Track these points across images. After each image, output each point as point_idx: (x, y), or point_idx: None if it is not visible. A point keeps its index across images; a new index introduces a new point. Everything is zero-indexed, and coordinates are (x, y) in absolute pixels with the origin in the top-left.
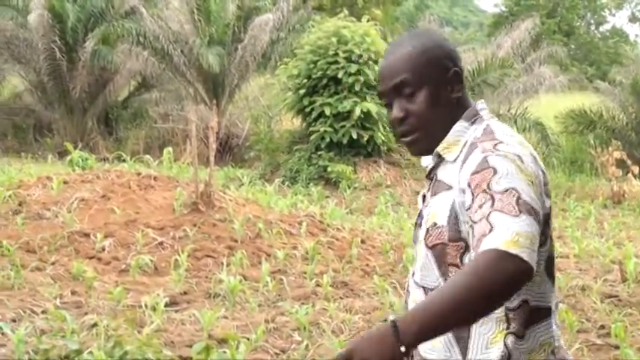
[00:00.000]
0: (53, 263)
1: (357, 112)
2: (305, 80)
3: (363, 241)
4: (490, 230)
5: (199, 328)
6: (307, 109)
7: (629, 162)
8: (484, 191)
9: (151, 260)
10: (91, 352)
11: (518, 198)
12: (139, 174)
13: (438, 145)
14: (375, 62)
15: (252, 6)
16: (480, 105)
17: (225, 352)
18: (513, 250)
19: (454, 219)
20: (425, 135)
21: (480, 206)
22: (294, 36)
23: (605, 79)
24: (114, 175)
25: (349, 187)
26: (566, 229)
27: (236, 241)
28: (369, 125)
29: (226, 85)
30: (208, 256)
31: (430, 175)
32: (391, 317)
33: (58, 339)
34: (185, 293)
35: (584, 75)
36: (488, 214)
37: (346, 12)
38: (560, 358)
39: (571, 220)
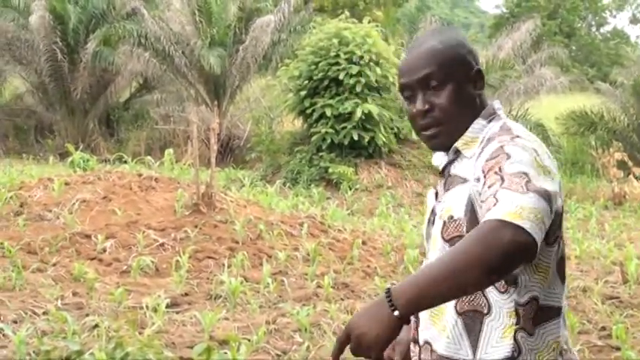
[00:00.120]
0: (54, 264)
1: (358, 113)
2: (306, 81)
3: (364, 243)
4: (495, 204)
5: (200, 329)
6: (308, 111)
7: (630, 163)
8: (495, 173)
9: (152, 261)
10: (92, 354)
11: (528, 181)
12: (140, 175)
13: (455, 141)
14: (376, 63)
15: (253, 7)
16: (497, 104)
17: (226, 353)
18: (514, 220)
19: (471, 211)
20: (446, 130)
21: (490, 186)
22: (295, 37)
23: (606, 81)
24: (115, 177)
25: (350, 189)
26: (568, 230)
27: (237, 242)
28: (370, 126)
29: (227, 87)
30: (209, 257)
31: (444, 171)
32: (387, 285)
33: (60, 340)
34: (186, 294)
35: (585, 76)
36: (496, 192)
37: (347, 13)
38: (567, 359)
39: (572, 221)
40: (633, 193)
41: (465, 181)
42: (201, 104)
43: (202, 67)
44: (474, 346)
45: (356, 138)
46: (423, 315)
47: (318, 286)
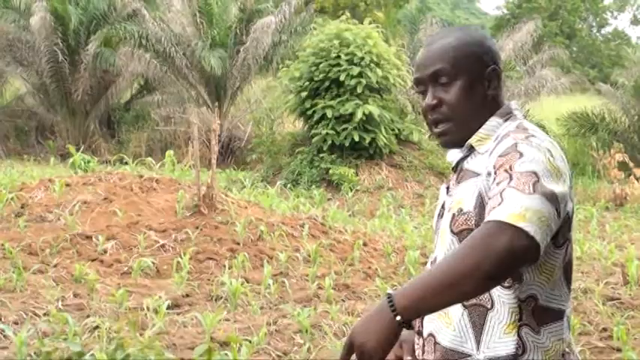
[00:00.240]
0: (55, 266)
1: (359, 114)
2: (307, 83)
3: (365, 244)
4: (499, 203)
5: (201, 330)
6: (309, 112)
7: (631, 164)
8: (505, 171)
9: (153, 263)
10: (93, 355)
11: (537, 181)
12: (141, 176)
13: (467, 138)
14: (377, 65)
15: (254, 8)
16: (514, 105)
17: (227, 354)
18: (516, 223)
19: (480, 204)
20: (455, 126)
21: (498, 183)
22: (296, 38)
23: (607, 82)
24: (116, 178)
25: (351, 190)
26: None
27: (238, 243)
28: (370, 128)
29: (228, 88)
30: (210, 258)
31: (457, 167)
32: (389, 290)
33: (60, 341)
34: (187, 296)
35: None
36: (503, 190)
37: (348, 14)
38: None
39: (573, 222)
40: (634, 194)
41: (477, 175)
42: (202, 105)
43: (203, 68)
44: (478, 340)
45: (357, 139)
46: None
47: (319, 288)
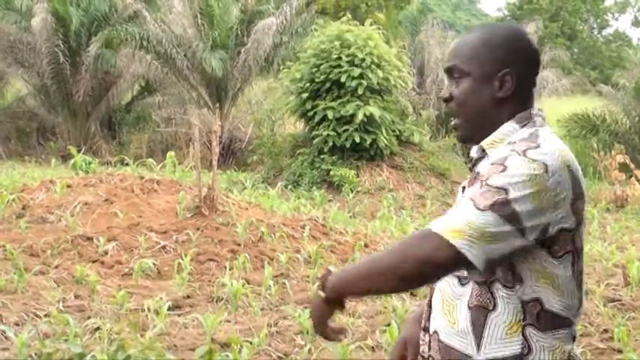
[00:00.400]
0: (56, 267)
1: (360, 115)
2: (308, 84)
3: (366, 245)
4: (450, 212)
5: (202, 331)
6: (310, 113)
7: (632, 166)
8: (481, 181)
9: (154, 264)
10: (94, 356)
11: (504, 200)
12: (142, 178)
13: (481, 138)
14: (378, 66)
15: (255, 10)
16: (536, 111)
17: (228, 355)
18: (446, 235)
19: None
20: (465, 123)
21: (467, 192)
22: (297, 40)
23: (608, 83)
24: (117, 179)
25: (352, 191)
26: None
27: (239, 244)
28: (371, 129)
29: (229, 89)
30: (211, 259)
31: (473, 167)
32: (331, 267)
33: (61, 343)
34: (188, 297)
35: (587, 78)
36: (463, 200)
37: (349, 16)
38: None
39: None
40: (635, 195)
41: None
42: (202, 107)
43: (204, 69)
44: (478, 341)
45: (357, 140)
46: (436, 305)
47: None
